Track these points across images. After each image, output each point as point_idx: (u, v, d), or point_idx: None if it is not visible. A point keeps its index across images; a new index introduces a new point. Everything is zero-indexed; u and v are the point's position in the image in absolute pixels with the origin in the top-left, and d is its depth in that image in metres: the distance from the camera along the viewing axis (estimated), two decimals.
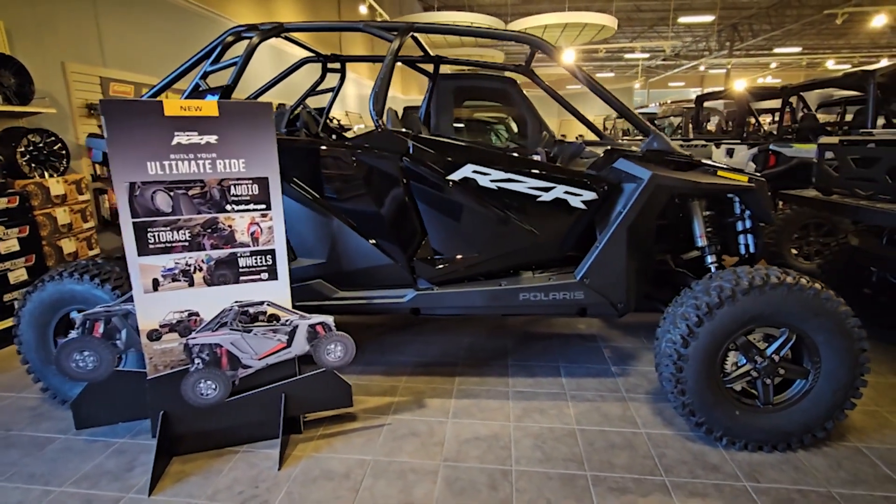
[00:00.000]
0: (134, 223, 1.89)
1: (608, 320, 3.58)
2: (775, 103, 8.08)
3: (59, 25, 4.43)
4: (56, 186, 3.78)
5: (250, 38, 2.47)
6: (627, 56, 25.42)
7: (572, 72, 2.39)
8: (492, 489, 1.88)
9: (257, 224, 2.05)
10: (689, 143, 6.45)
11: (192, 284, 2.00)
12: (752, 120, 7.35)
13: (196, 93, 2.39)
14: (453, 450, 2.12)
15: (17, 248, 3.37)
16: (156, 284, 1.96)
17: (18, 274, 3.39)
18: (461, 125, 6.64)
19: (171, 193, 1.92)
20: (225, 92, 2.30)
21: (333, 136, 4.14)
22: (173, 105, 1.88)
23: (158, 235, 1.93)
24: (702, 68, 26.10)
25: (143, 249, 1.92)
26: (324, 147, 2.39)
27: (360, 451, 2.12)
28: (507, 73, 4.19)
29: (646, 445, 2.14)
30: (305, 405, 2.21)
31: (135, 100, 1.97)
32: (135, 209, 1.89)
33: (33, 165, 3.79)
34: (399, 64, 2.45)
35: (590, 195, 2.34)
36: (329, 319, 2.14)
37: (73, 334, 2.01)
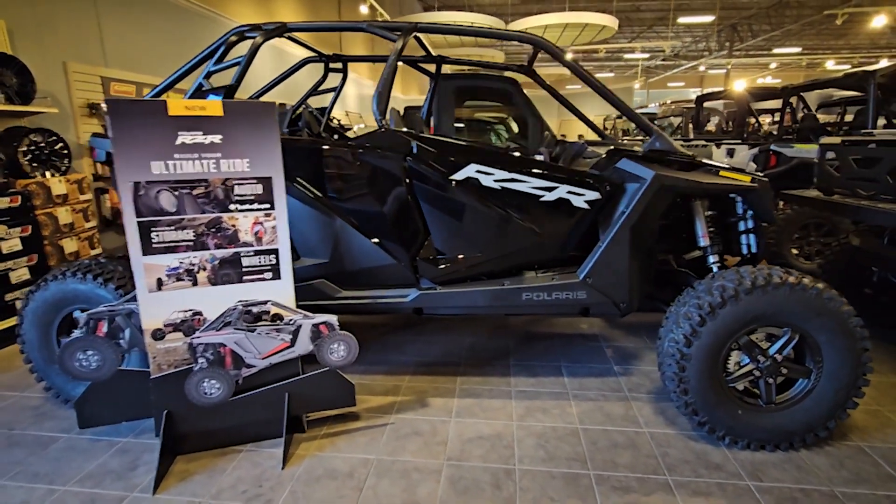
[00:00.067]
0: (138, 223, 1.89)
1: (610, 320, 3.59)
2: (775, 103, 8.09)
3: (60, 25, 4.43)
4: (58, 186, 3.78)
5: (253, 37, 2.47)
6: (627, 56, 25.41)
7: (576, 72, 2.39)
8: (495, 488, 1.89)
9: (261, 224, 2.05)
10: (690, 144, 6.46)
11: (195, 284, 2.00)
12: (752, 120, 7.36)
13: (199, 92, 2.40)
14: (457, 449, 2.13)
15: (20, 247, 3.38)
16: (160, 284, 1.96)
17: (20, 273, 3.39)
18: (461, 125, 6.64)
19: (176, 193, 1.92)
20: (228, 91, 2.30)
21: (335, 136, 4.15)
22: (177, 105, 1.89)
23: (162, 235, 1.93)
24: (701, 68, 26.12)
25: (147, 249, 1.92)
26: (327, 147, 2.40)
27: (364, 450, 2.12)
28: (509, 73, 4.20)
29: (649, 445, 2.14)
30: (309, 404, 2.21)
31: (139, 99, 1.97)
32: (139, 209, 1.89)
33: (35, 165, 3.80)
34: (399, 64, 2.45)
35: (593, 195, 2.35)
36: (332, 319, 2.14)
37: (76, 333, 2.01)
